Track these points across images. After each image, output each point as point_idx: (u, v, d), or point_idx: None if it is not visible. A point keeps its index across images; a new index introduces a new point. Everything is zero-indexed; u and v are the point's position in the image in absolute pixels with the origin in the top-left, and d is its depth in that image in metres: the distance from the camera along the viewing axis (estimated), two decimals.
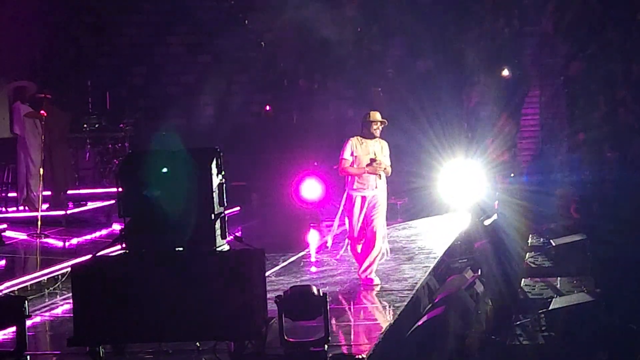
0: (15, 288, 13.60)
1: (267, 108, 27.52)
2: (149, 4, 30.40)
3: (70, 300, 10.80)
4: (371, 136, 14.65)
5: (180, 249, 10.47)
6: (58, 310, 13.36)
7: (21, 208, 19.19)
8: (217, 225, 10.51)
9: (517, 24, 28.79)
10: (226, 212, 10.82)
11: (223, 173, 10.69)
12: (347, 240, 14.93)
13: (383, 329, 11.52)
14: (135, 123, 25.03)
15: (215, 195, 10.49)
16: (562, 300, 15.71)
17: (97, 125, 23.59)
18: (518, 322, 15.10)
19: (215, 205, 10.47)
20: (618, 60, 26.81)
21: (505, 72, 27.36)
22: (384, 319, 12.12)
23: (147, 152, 11.85)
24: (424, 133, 23.46)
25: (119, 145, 23.48)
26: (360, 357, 10.18)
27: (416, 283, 14.37)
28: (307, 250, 17.77)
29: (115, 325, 10.28)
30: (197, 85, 28.37)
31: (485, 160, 22.74)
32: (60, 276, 14.61)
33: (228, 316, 10.11)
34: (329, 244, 15.76)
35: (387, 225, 16.67)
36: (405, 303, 13.04)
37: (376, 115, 14.71)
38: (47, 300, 14.03)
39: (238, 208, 20.07)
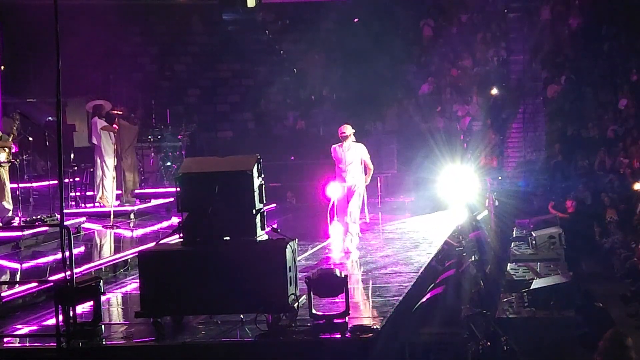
0: (92, 270, 13.59)
1: (300, 124, 27.52)
2: (202, 38, 30.50)
3: (137, 280, 10.78)
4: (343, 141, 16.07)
5: (227, 238, 10.44)
6: (127, 288, 13.34)
7: (97, 204, 19.20)
8: (258, 218, 10.47)
9: (505, 54, 28.75)
10: (265, 207, 10.78)
11: (262, 176, 10.66)
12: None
13: (394, 305, 11.46)
14: (191, 135, 25.04)
15: (256, 194, 10.44)
16: (541, 281, 15.62)
17: (159, 137, 23.54)
18: (505, 299, 15.01)
19: (256, 202, 10.43)
20: (587, 85, 26.74)
21: (494, 91, 27.33)
22: (395, 296, 12.04)
23: (201, 158, 11.84)
24: (427, 144, 23.40)
25: (177, 152, 23.47)
26: (375, 327, 10.12)
27: (421, 267, 14.27)
28: (331, 239, 17.72)
29: (175, 300, 10.26)
30: (241, 104, 28.43)
31: (477, 166, 22.64)
32: (129, 260, 14.60)
33: (266, 293, 10.07)
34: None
35: (397, 219, 16.78)
36: (412, 283, 12.95)
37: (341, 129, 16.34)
38: (118, 280, 14.02)
39: (274, 205, 20.02)
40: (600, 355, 10.35)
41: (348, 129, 16.23)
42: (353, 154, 16.03)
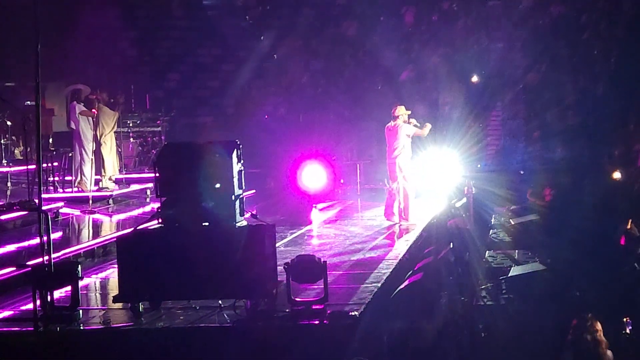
0: (71, 255, 13.57)
1: (280, 110, 27.42)
2: (182, 22, 30.37)
3: (116, 265, 10.77)
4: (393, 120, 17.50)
5: (206, 223, 10.44)
6: (105, 273, 13.33)
7: (75, 189, 19.15)
8: (237, 204, 10.48)
9: (485, 41, 28.76)
10: (244, 194, 10.79)
11: (242, 162, 10.66)
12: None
13: (372, 292, 11.49)
14: (170, 120, 25.02)
15: (236, 180, 10.45)
16: (519, 268, 15.70)
17: (138, 122, 23.54)
18: (483, 287, 15.06)
19: (235, 188, 10.44)
20: (567, 72, 26.77)
21: (475, 79, 27.33)
22: (373, 283, 12.07)
23: (180, 143, 11.85)
24: None
25: (157, 138, 23.47)
26: (353, 314, 10.15)
27: (399, 254, 14.32)
28: (310, 225, 17.74)
29: (153, 285, 10.27)
30: (221, 90, 28.35)
31: (457, 153, 22.65)
32: (107, 245, 14.58)
33: (245, 279, 10.09)
34: None
35: (376, 206, 16.96)
36: (391, 270, 13.00)
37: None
38: (96, 264, 14.00)
39: (253, 191, 20.00)
40: (572, 340, 10.52)
41: (397, 110, 17.39)
42: (399, 135, 17.14)
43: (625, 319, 13.79)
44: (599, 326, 11.40)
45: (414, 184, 17.66)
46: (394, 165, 17.33)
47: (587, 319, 11.44)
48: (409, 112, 17.53)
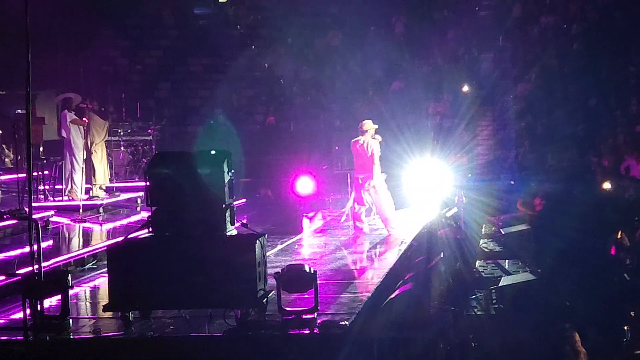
0: (61, 263, 13.53)
1: (270, 119, 27.41)
2: (173, 31, 30.41)
3: (106, 274, 10.74)
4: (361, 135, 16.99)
5: (197, 232, 10.43)
6: (95, 282, 13.29)
7: (66, 198, 19.12)
8: (227, 213, 10.46)
9: (475, 51, 28.82)
10: (234, 203, 10.78)
11: (232, 170, 10.65)
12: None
13: (363, 301, 11.48)
14: (161, 129, 25.01)
15: (226, 189, 10.44)
16: (509, 278, 15.70)
17: (129, 130, 23.52)
18: (473, 296, 15.06)
19: (225, 197, 10.42)
20: (557, 82, 26.84)
21: (466, 88, 27.37)
22: (364, 292, 12.06)
23: (170, 153, 11.83)
24: (397, 140, 23.38)
25: (147, 147, 23.44)
26: (343, 323, 10.14)
27: (390, 264, 14.31)
28: (301, 235, 17.72)
29: (143, 294, 10.24)
30: (212, 99, 28.36)
31: (447, 163, 22.67)
32: (97, 254, 14.55)
33: (235, 288, 10.07)
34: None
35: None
36: (381, 280, 12.98)
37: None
38: (86, 274, 13.96)
39: (244, 200, 19.99)
40: (553, 350, 10.62)
41: (365, 125, 16.98)
42: (366, 150, 16.71)
43: (625, 327, 13.85)
44: (577, 337, 11.46)
45: (388, 197, 17.33)
46: (363, 180, 17.02)
47: (565, 330, 11.50)
48: (377, 127, 17.19)
